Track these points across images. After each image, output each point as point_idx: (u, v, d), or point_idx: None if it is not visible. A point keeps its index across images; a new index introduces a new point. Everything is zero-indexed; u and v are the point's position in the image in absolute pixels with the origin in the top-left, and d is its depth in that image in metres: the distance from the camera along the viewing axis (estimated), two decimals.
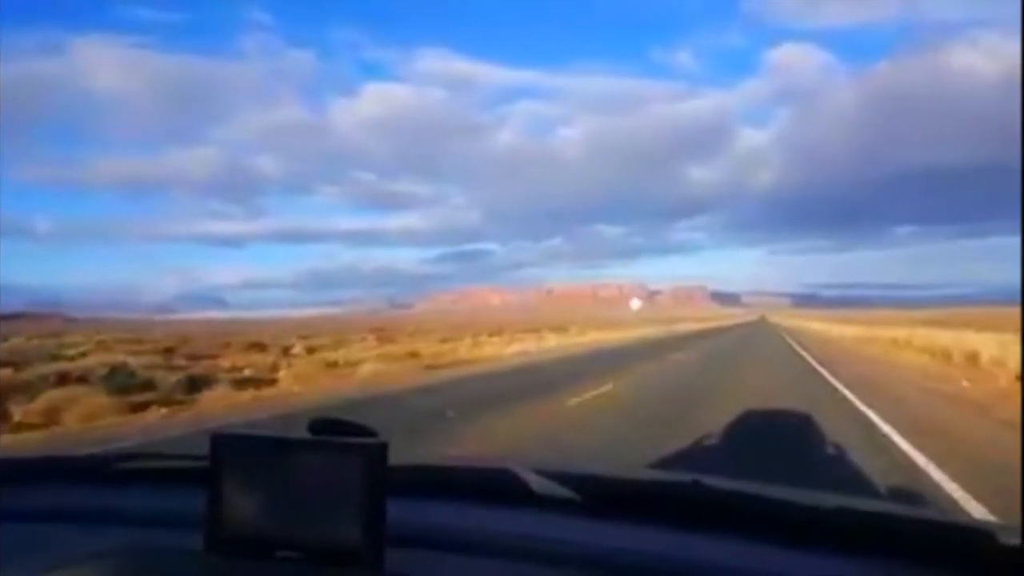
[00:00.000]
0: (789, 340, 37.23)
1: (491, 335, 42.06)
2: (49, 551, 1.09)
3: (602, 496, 1.29)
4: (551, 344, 33.87)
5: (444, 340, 36.16)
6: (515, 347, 30.19)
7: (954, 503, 5.17)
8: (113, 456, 1.55)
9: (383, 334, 48.57)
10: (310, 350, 28.80)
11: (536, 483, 1.30)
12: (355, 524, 0.95)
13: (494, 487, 1.36)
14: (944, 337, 24.57)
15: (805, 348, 28.67)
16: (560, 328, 55.29)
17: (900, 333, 32.46)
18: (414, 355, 24.21)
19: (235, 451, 1.01)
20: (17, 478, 1.50)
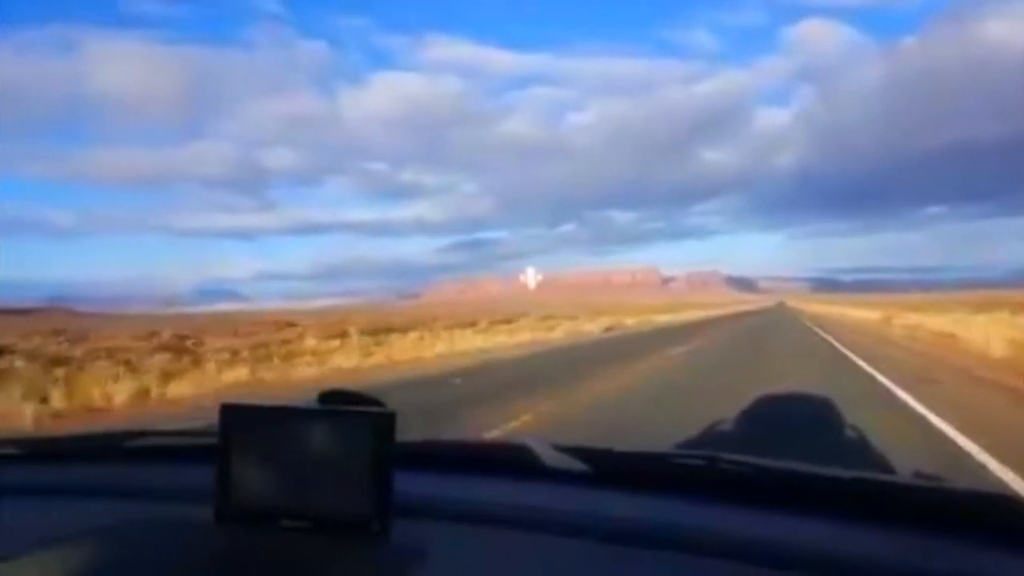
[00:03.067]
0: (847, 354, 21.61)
1: (463, 328, 37.08)
2: (64, 525, 1.12)
3: (616, 469, 1.28)
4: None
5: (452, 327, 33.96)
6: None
7: None
8: (126, 433, 1.61)
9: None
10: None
11: (549, 457, 1.29)
12: (362, 494, 0.97)
13: (507, 462, 1.36)
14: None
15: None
16: (547, 319, 50.81)
17: (954, 319, 27.59)
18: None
19: (244, 422, 1.03)
20: (33, 456, 1.57)
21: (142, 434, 1.61)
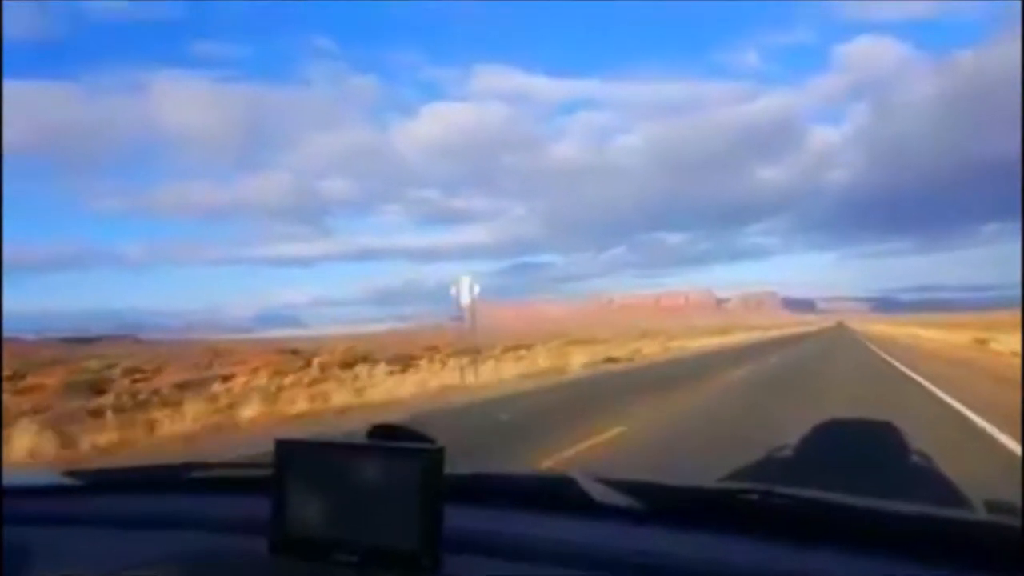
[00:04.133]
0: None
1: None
2: (124, 556, 1.17)
3: (667, 505, 1.24)
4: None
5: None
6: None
7: None
8: (186, 465, 1.65)
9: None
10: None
11: (598, 492, 1.27)
12: (412, 528, 0.98)
13: (555, 495, 1.34)
14: None
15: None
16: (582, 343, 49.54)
17: None
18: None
19: (298, 456, 1.06)
20: (96, 487, 1.61)
21: (201, 466, 1.67)
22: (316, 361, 34.04)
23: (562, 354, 31.56)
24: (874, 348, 33.83)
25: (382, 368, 27.04)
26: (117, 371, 31.17)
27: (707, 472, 5.95)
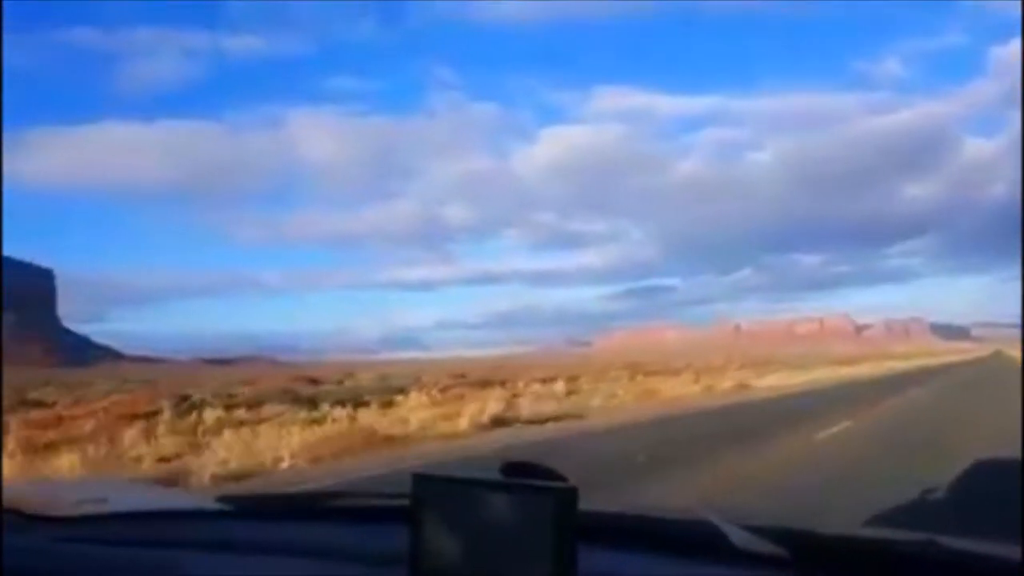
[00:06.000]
0: None
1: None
2: None
3: (814, 553, 1.14)
4: None
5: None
6: None
7: None
8: (328, 493, 1.79)
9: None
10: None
11: (738, 537, 1.18)
12: (546, 568, 0.98)
13: (691, 539, 1.27)
14: None
15: None
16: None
17: None
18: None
19: (433, 491, 1.08)
20: (243, 513, 1.67)
21: (341, 495, 1.74)
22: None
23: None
24: None
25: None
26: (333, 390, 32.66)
27: (851, 516, 5.55)
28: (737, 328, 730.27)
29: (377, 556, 1.23)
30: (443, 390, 28.14)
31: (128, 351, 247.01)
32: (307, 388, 32.44)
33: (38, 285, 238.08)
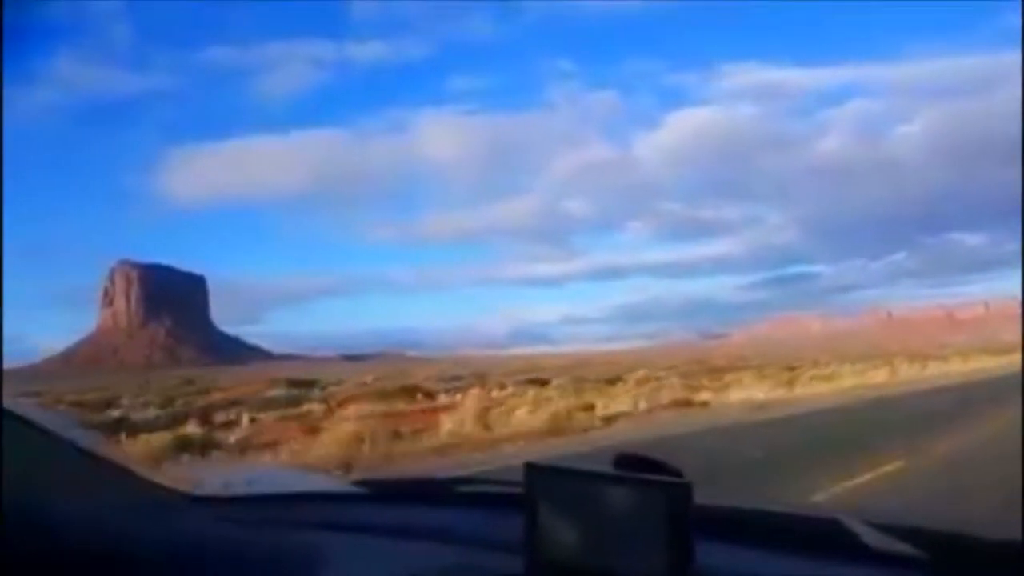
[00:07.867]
0: None
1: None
2: (395, 564, 1.30)
3: (958, 557, 1.08)
4: None
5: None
6: None
7: None
8: (455, 479, 1.84)
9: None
10: None
11: (871, 536, 1.14)
12: (662, 562, 0.98)
13: (818, 538, 1.21)
14: None
15: None
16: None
17: None
18: None
19: (547, 481, 1.10)
20: (377, 496, 1.75)
21: (469, 481, 1.82)
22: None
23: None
24: None
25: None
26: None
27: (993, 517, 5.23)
28: (889, 315, 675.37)
29: (499, 543, 1.25)
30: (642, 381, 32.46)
31: (276, 350, 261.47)
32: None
33: (192, 290, 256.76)
